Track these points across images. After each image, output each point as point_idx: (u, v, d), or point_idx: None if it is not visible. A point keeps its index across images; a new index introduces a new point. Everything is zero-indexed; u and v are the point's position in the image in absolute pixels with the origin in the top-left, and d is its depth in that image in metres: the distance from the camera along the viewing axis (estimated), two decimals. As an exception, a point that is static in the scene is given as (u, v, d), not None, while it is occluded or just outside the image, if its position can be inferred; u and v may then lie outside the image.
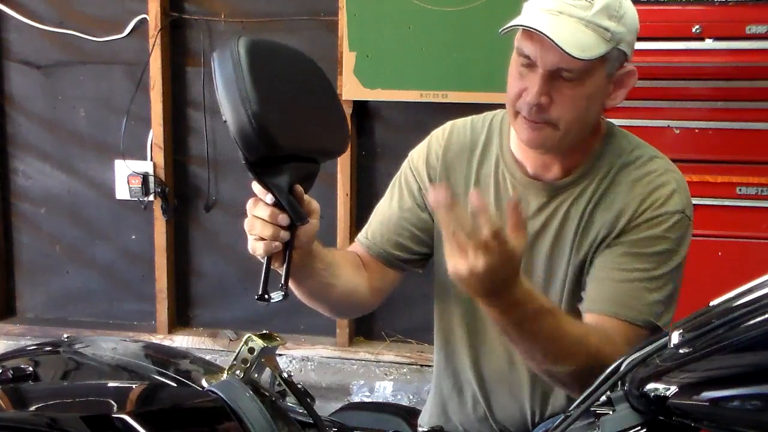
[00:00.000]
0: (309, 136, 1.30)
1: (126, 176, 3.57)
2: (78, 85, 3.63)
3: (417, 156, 1.65)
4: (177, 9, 3.47)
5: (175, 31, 3.50)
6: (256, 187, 1.28)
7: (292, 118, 1.26)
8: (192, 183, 3.63)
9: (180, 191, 3.63)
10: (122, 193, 3.61)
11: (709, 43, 2.48)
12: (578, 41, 1.35)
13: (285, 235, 1.28)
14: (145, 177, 3.55)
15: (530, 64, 1.40)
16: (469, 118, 1.65)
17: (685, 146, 2.58)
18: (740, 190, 2.58)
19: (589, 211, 1.49)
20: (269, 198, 1.26)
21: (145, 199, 3.58)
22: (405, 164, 1.67)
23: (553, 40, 1.33)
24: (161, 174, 3.55)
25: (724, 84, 2.56)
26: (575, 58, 1.34)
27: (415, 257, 1.64)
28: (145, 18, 3.46)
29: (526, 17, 1.39)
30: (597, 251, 1.48)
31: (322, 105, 1.37)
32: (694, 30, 2.47)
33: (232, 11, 3.43)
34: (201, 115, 3.54)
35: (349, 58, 3.23)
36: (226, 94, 1.19)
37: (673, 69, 2.47)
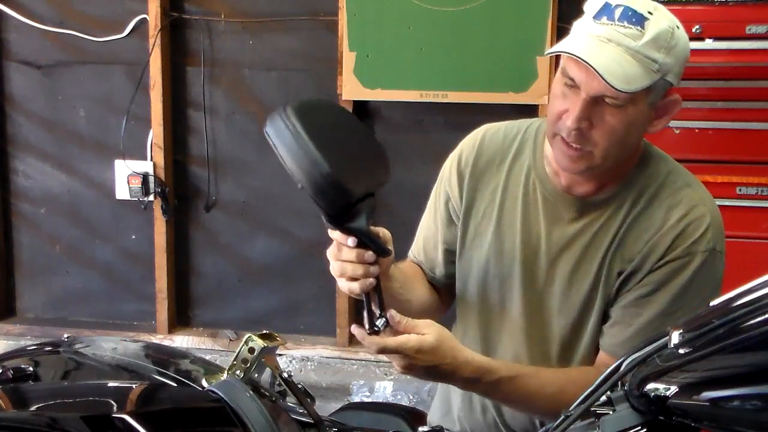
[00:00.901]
0: (369, 174, 1.36)
1: (126, 176, 3.56)
2: (78, 85, 3.63)
3: (449, 165, 1.65)
4: (177, 9, 3.46)
5: (175, 31, 3.50)
6: (334, 234, 1.34)
7: (354, 164, 1.32)
8: (192, 183, 3.62)
9: (180, 191, 3.63)
10: (122, 193, 3.61)
11: (709, 43, 2.48)
12: (624, 72, 1.33)
13: (375, 269, 1.35)
14: (145, 177, 3.55)
15: (574, 86, 1.39)
16: (503, 124, 1.64)
17: (685, 146, 2.58)
18: (740, 190, 2.58)
19: (621, 234, 1.49)
20: (351, 241, 1.32)
21: (145, 199, 3.58)
22: (440, 176, 1.68)
23: (597, 71, 1.32)
24: (161, 174, 3.55)
25: (724, 84, 2.56)
26: (618, 90, 1.33)
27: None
28: (145, 18, 3.45)
29: (574, 41, 1.38)
30: (625, 285, 1.48)
31: (365, 142, 1.43)
32: (694, 30, 2.46)
33: (232, 11, 3.43)
34: (201, 115, 3.53)
35: (349, 58, 3.23)
36: (295, 163, 1.25)
37: (673, 69, 2.47)
